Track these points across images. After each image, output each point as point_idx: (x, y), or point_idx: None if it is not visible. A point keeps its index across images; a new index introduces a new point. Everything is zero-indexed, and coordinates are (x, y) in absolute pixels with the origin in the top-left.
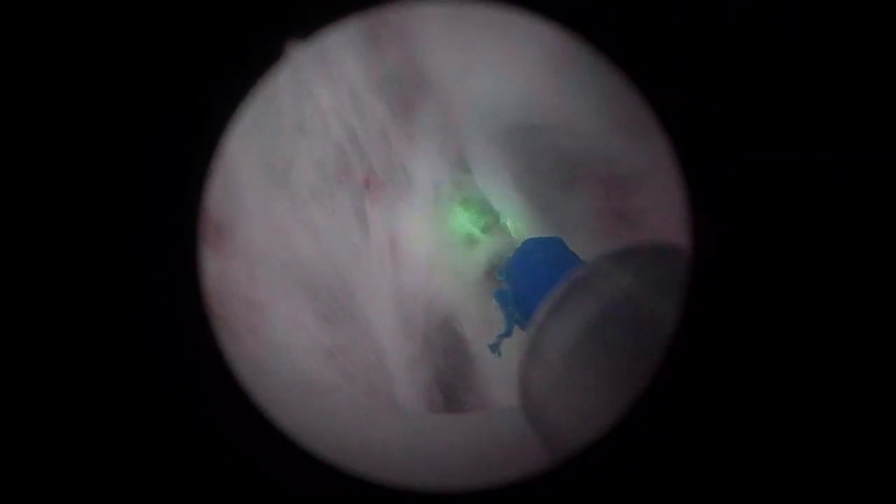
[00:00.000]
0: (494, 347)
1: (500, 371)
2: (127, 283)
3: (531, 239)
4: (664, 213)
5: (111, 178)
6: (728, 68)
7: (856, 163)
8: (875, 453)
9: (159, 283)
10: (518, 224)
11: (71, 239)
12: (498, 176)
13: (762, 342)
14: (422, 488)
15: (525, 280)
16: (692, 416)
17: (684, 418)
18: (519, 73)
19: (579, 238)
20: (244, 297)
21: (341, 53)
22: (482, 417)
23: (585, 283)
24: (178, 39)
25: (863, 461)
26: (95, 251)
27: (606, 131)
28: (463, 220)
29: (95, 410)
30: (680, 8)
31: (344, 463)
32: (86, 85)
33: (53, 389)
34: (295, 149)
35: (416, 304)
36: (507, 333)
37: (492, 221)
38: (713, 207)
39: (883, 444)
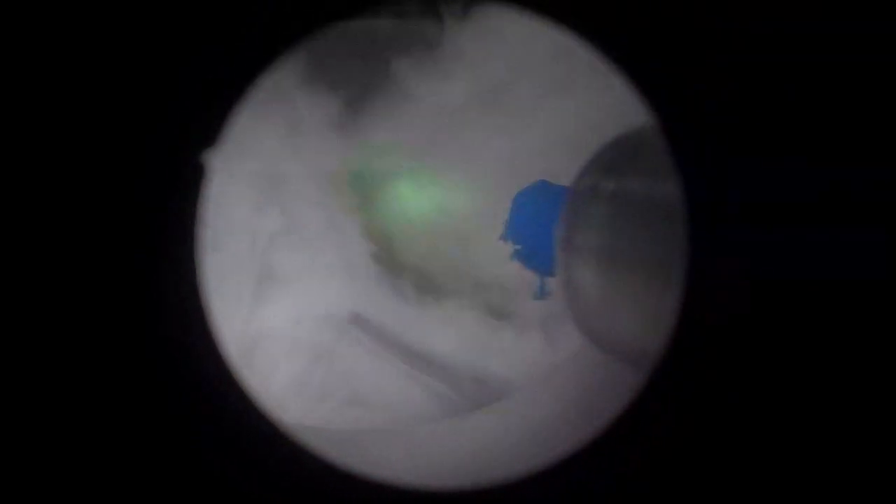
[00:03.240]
0: (541, 296)
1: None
2: (127, 285)
3: (518, 194)
4: None
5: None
6: (733, 74)
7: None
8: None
9: (159, 285)
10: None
11: (69, 240)
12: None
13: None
14: (424, 488)
15: (530, 234)
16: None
17: (685, 420)
18: None
19: None
20: None
21: None
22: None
23: (578, 207)
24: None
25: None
26: (96, 255)
27: None
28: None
29: (93, 407)
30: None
31: (344, 462)
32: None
33: (50, 389)
34: None
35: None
36: (543, 286)
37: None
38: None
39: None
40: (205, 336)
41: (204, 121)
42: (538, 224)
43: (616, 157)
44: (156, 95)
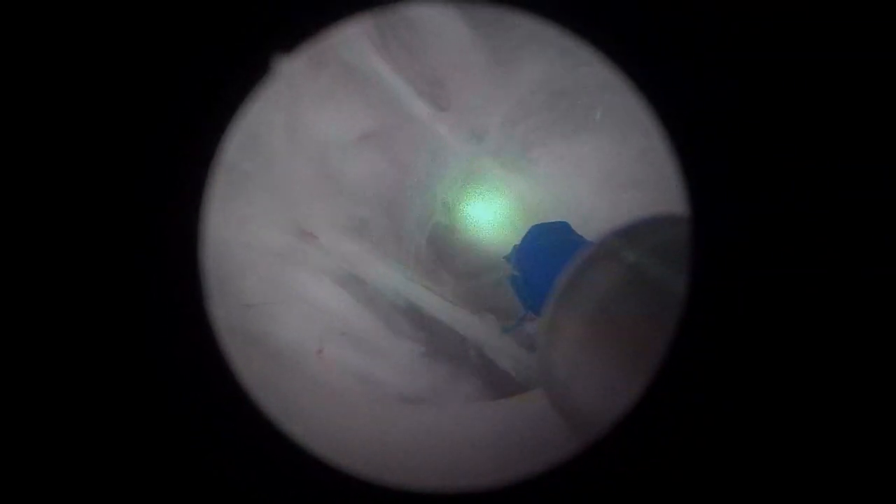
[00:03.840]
0: (508, 330)
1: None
2: (126, 284)
3: (537, 225)
4: None
5: (111, 188)
6: (732, 70)
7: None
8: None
9: (161, 286)
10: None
11: (73, 246)
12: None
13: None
14: (425, 489)
15: (534, 266)
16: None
17: (692, 414)
18: None
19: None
20: None
21: None
22: (482, 414)
23: (593, 263)
24: (162, 62)
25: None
26: (99, 257)
27: None
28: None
29: (90, 407)
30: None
31: (341, 461)
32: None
33: (51, 391)
34: None
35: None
36: (522, 319)
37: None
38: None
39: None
40: (205, 335)
41: (206, 122)
42: (545, 261)
43: (648, 235)
44: (160, 92)
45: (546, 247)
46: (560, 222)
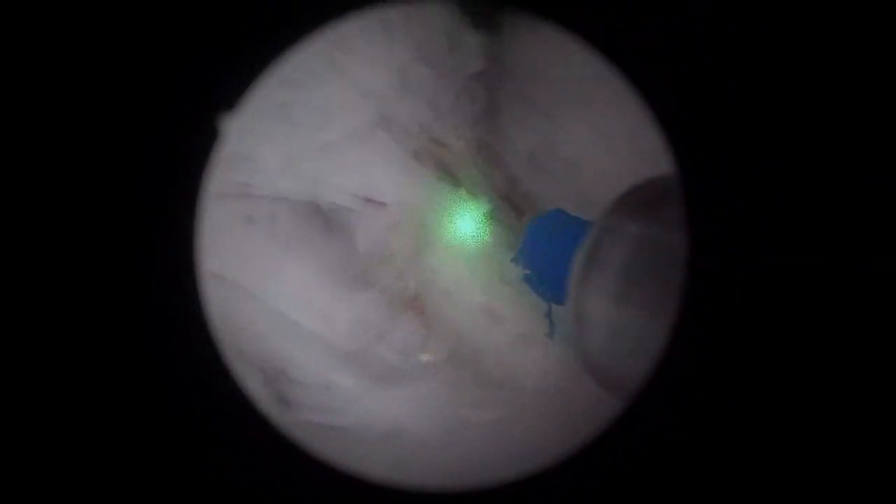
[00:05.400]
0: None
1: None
2: (125, 284)
3: (533, 220)
4: None
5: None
6: (730, 74)
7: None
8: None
9: (158, 283)
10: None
11: (67, 239)
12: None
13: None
14: (422, 488)
15: (543, 260)
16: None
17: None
18: None
19: None
20: None
21: None
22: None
23: (599, 245)
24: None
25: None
26: (95, 252)
27: None
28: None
29: (87, 407)
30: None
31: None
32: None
33: (51, 391)
34: None
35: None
36: (548, 314)
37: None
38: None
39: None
40: (202, 334)
41: (203, 125)
42: (551, 252)
43: (643, 201)
44: (157, 92)
45: (548, 239)
46: (553, 211)
